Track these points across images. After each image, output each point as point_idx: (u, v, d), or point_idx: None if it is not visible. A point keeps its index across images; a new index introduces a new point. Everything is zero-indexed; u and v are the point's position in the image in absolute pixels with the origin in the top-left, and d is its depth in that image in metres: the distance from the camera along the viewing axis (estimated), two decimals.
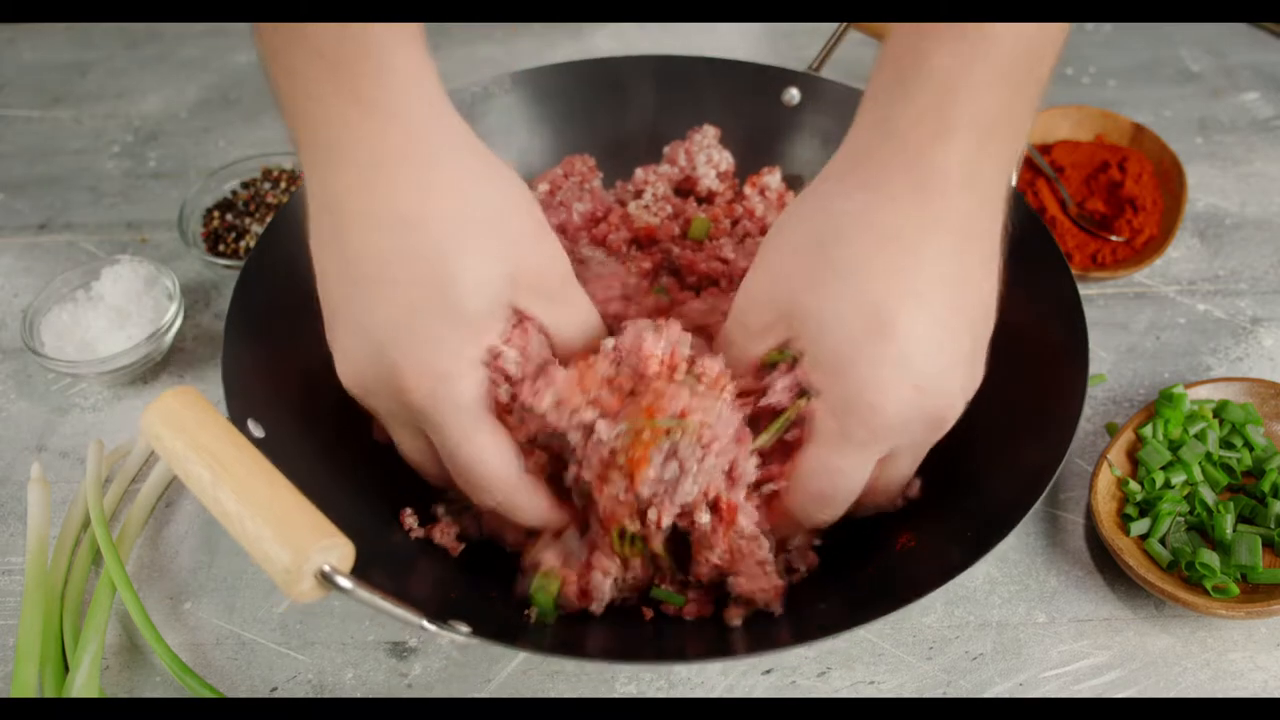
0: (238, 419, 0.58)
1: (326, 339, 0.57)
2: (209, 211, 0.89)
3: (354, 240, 0.53)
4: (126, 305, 0.78)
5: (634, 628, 0.59)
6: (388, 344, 0.53)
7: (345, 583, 0.47)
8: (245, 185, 0.91)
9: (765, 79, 0.67)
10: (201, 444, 0.49)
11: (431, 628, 0.49)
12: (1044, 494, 0.56)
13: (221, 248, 0.85)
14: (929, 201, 0.51)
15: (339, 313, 0.55)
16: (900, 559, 0.61)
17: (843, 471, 0.56)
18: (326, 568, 0.46)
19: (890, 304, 0.52)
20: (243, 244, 0.85)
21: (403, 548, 0.62)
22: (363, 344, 0.54)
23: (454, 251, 0.53)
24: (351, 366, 0.56)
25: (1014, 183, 0.57)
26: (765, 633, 0.58)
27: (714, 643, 0.57)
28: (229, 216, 0.88)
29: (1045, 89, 0.53)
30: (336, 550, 0.47)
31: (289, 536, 0.46)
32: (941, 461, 0.66)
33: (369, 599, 0.47)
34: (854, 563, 0.61)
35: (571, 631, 0.58)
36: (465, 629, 0.51)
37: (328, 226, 0.54)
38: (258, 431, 0.59)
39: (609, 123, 0.80)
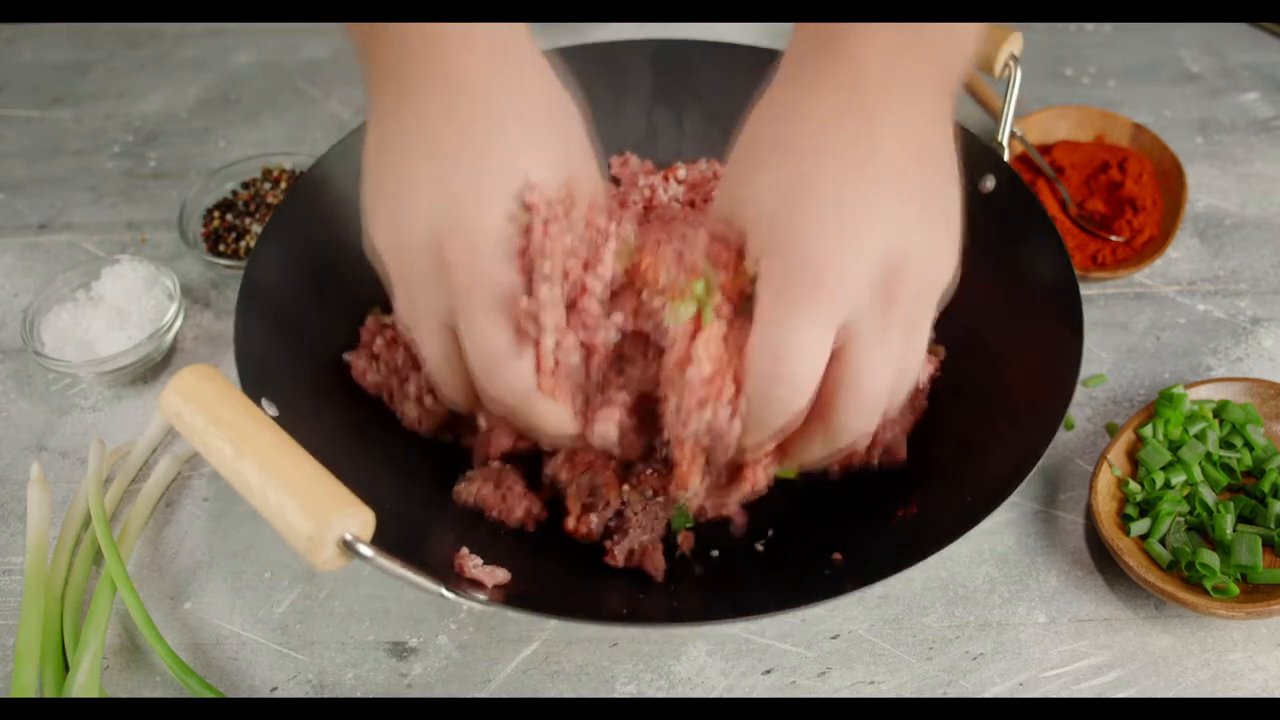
0: (251, 398, 0.58)
1: (369, 218, 0.57)
2: (209, 211, 0.89)
3: (427, 110, 0.56)
4: (126, 305, 0.78)
5: (646, 593, 0.60)
6: (440, 215, 0.54)
7: (366, 550, 0.48)
8: (245, 185, 0.91)
9: (761, 61, 0.67)
10: (222, 418, 0.50)
11: (450, 595, 0.50)
12: (1039, 461, 0.57)
13: (222, 248, 0.85)
14: (850, 85, 0.54)
15: (401, 177, 0.56)
16: (900, 525, 0.62)
17: (791, 343, 0.52)
18: (348, 536, 0.47)
19: (812, 167, 0.53)
20: (243, 244, 0.85)
21: (420, 519, 0.63)
22: (415, 214, 0.55)
23: (520, 139, 0.56)
24: (395, 235, 0.56)
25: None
26: (772, 594, 0.59)
27: (719, 607, 0.58)
28: (229, 216, 0.88)
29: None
30: (357, 519, 0.48)
31: (311, 506, 0.47)
32: (938, 457, 0.66)
33: (389, 567, 0.48)
34: (855, 525, 0.62)
35: (584, 597, 0.59)
36: (482, 596, 0.52)
37: (392, 100, 0.57)
38: (271, 410, 0.59)
39: (605, 109, 0.79)
